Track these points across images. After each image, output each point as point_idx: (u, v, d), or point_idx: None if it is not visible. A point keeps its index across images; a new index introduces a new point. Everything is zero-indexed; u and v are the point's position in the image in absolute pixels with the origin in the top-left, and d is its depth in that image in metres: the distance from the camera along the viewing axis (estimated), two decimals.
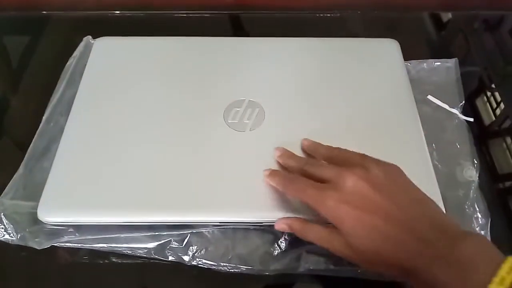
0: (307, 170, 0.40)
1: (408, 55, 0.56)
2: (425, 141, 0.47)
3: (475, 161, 0.48)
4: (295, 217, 0.41)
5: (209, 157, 0.45)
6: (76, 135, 0.47)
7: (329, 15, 0.68)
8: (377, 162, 0.38)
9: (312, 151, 0.44)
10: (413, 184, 0.37)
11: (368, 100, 0.50)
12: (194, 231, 0.43)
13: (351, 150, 0.41)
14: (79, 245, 0.43)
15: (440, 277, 0.32)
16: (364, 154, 0.40)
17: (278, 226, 0.41)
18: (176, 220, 0.42)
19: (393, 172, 0.38)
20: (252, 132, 0.47)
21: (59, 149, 0.46)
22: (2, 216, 0.43)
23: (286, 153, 0.44)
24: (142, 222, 0.43)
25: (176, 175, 0.44)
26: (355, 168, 0.37)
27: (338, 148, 0.42)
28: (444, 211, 0.42)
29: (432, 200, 0.37)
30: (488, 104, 0.57)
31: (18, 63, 0.62)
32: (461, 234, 0.34)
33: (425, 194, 0.37)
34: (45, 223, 0.42)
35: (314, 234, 0.39)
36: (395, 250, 0.34)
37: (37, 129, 0.50)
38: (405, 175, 0.38)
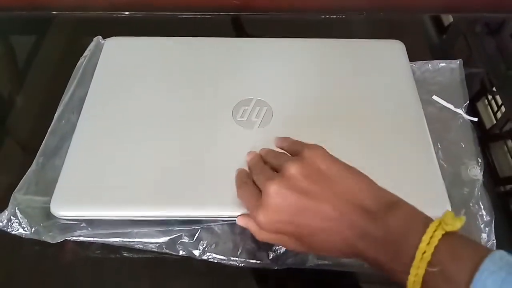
0: (254, 180, 0.41)
1: (411, 57, 0.56)
2: (431, 141, 0.48)
3: (480, 160, 0.49)
4: None
5: (218, 154, 0.46)
6: (88, 132, 0.48)
7: (334, 16, 0.69)
8: (298, 155, 0.38)
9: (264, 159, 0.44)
10: (337, 165, 0.36)
11: (375, 100, 0.51)
12: (205, 226, 0.44)
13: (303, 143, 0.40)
14: (92, 239, 0.44)
15: (378, 258, 0.33)
16: (290, 146, 0.41)
17: (239, 222, 0.41)
18: (185, 215, 0.43)
19: (314, 163, 0.36)
20: (260, 130, 0.48)
21: (71, 145, 0.47)
22: (17, 211, 0.43)
23: (255, 158, 0.44)
24: (152, 216, 0.43)
25: (185, 171, 0.45)
26: (275, 177, 0.36)
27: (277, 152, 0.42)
28: (450, 208, 0.43)
29: (356, 176, 0.36)
30: (489, 107, 0.57)
31: (29, 62, 0.63)
32: (388, 209, 0.33)
33: (349, 172, 0.36)
34: (58, 218, 0.43)
35: (268, 236, 0.39)
36: (337, 241, 0.34)
37: (48, 127, 0.51)
38: (327, 159, 0.36)
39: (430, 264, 0.30)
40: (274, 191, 0.35)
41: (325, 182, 0.35)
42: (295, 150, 0.40)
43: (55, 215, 0.43)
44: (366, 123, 0.49)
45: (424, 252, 0.30)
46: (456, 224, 0.31)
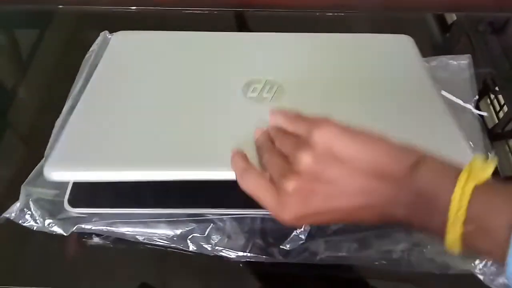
0: (264, 163, 0.38)
1: None
2: (456, 125, 0.45)
3: (489, 155, 0.49)
4: None
5: (227, 127, 0.44)
6: (89, 105, 0.47)
7: (342, 14, 0.69)
8: (306, 137, 0.35)
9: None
10: (350, 141, 0.34)
11: (388, 83, 0.50)
12: (216, 217, 0.44)
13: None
14: (103, 228, 0.44)
15: (413, 221, 0.32)
16: (297, 128, 0.38)
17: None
18: (192, 178, 0.40)
19: (326, 148, 0.34)
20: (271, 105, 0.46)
21: (71, 119, 0.45)
22: (30, 202, 0.43)
23: (262, 136, 0.41)
24: (149, 179, 0.41)
25: (193, 139, 0.43)
26: (290, 173, 0.34)
27: (283, 134, 0.40)
28: (471, 153, 0.41)
29: (373, 144, 0.34)
30: (491, 106, 0.57)
31: (34, 56, 0.63)
32: (412, 170, 0.32)
33: (364, 142, 0.34)
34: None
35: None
36: (368, 215, 0.34)
37: (55, 121, 0.51)
38: (338, 138, 0.34)
39: (465, 220, 0.28)
40: (293, 189, 0.34)
41: (342, 164, 0.33)
42: (302, 131, 0.37)
43: (48, 177, 0.40)
44: (379, 97, 0.48)
45: (458, 210, 0.28)
46: (486, 172, 0.29)
